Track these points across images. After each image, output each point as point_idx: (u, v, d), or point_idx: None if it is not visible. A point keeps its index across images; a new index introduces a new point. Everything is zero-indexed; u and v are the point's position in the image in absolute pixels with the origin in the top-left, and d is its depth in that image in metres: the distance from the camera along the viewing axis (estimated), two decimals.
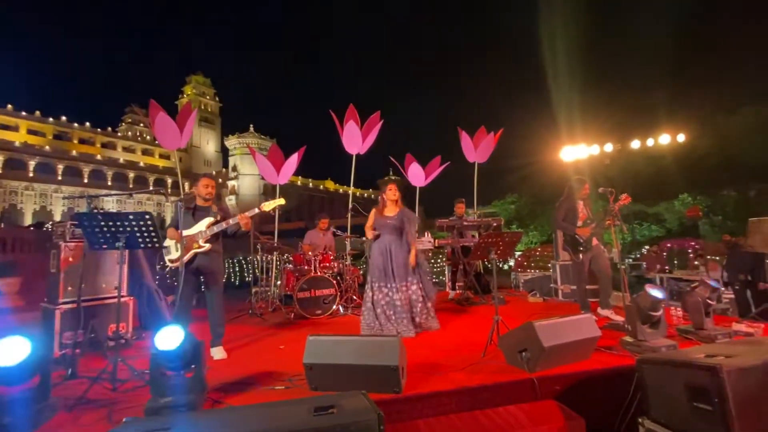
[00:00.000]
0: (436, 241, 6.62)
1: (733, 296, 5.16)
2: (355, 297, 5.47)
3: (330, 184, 76.93)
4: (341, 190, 73.48)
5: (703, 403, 1.75)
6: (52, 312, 3.41)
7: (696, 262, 6.40)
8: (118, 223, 2.54)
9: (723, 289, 5.17)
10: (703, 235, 13.87)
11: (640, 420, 2.04)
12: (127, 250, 3.88)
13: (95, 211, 2.91)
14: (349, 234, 6.29)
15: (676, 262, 6.85)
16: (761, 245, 3.66)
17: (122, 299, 3.79)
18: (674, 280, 5.48)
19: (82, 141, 54.37)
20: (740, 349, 2.00)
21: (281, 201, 3.73)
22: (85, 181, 49.94)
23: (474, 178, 7.93)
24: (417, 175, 7.70)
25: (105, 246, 2.63)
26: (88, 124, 55.42)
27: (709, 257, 6.30)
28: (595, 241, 4.20)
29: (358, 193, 75.92)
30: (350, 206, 6.62)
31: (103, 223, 2.53)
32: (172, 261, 3.41)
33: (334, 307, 5.01)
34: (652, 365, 2.07)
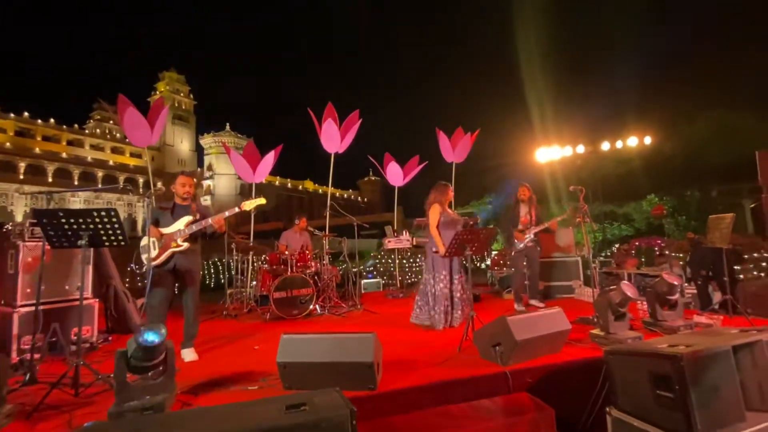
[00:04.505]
0: (414, 239, 6.66)
1: (695, 291, 5.41)
2: (332, 297, 5.43)
3: (309, 185, 76.20)
4: (320, 191, 72.92)
5: (666, 391, 1.82)
6: (9, 315, 3.23)
7: (661, 260, 6.68)
8: (80, 220, 2.42)
9: (686, 284, 5.42)
10: (668, 234, 14.49)
11: (607, 409, 2.10)
12: (92, 250, 3.79)
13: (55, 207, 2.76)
14: (327, 233, 6.25)
15: (643, 259, 7.14)
16: (720, 241, 3.86)
17: (87, 301, 3.66)
18: (641, 276, 5.69)
19: (46, 138, 51.76)
20: (700, 339, 2.09)
21: (262, 200, 3.68)
22: (50, 180, 47.59)
23: (452, 178, 8.02)
24: (395, 174, 7.73)
25: (66, 244, 2.50)
26: (52, 120, 52.86)
27: (673, 254, 6.60)
28: (530, 243, 4.83)
29: (338, 194, 75.58)
30: (328, 205, 6.58)
31: (63, 220, 2.40)
32: (150, 260, 3.27)
33: (311, 306, 4.95)
34: (618, 356, 2.14)
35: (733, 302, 3.65)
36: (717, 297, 4.47)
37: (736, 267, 5.09)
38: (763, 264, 5.46)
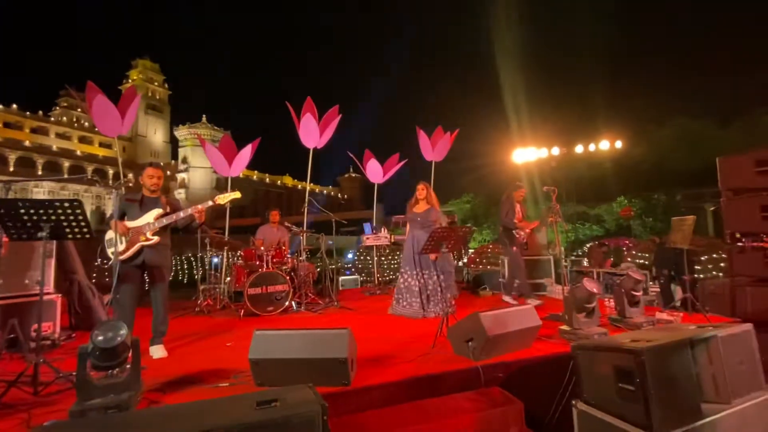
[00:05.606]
0: (392, 237, 6.68)
1: (659, 289, 5.67)
2: (309, 293, 5.38)
3: (288, 180, 75.18)
4: (300, 186, 72.06)
5: (627, 384, 1.90)
6: None
7: (629, 259, 6.98)
8: (41, 211, 2.30)
9: (651, 282, 5.68)
10: (636, 234, 15.14)
11: (573, 402, 2.18)
12: (55, 243, 3.62)
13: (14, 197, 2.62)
14: (304, 229, 6.18)
15: (612, 258, 7.44)
16: (682, 241, 4.06)
17: (49, 296, 3.50)
18: (609, 274, 5.92)
19: (7, 125, 48.93)
20: (660, 335, 2.19)
21: (237, 194, 3.59)
22: (11, 169, 45.07)
23: (431, 177, 8.08)
24: (375, 171, 7.72)
25: (25, 236, 2.37)
26: (15, 106, 50.03)
27: (640, 254, 6.91)
28: (523, 240, 5.03)
29: (317, 190, 74.90)
30: (306, 201, 6.51)
31: (23, 211, 2.28)
32: (117, 254, 3.12)
33: (287, 303, 4.89)
34: (585, 351, 2.22)
35: (692, 300, 3.84)
36: (679, 295, 4.70)
37: (696, 267, 5.37)
38: (722, 264, 5.78)
